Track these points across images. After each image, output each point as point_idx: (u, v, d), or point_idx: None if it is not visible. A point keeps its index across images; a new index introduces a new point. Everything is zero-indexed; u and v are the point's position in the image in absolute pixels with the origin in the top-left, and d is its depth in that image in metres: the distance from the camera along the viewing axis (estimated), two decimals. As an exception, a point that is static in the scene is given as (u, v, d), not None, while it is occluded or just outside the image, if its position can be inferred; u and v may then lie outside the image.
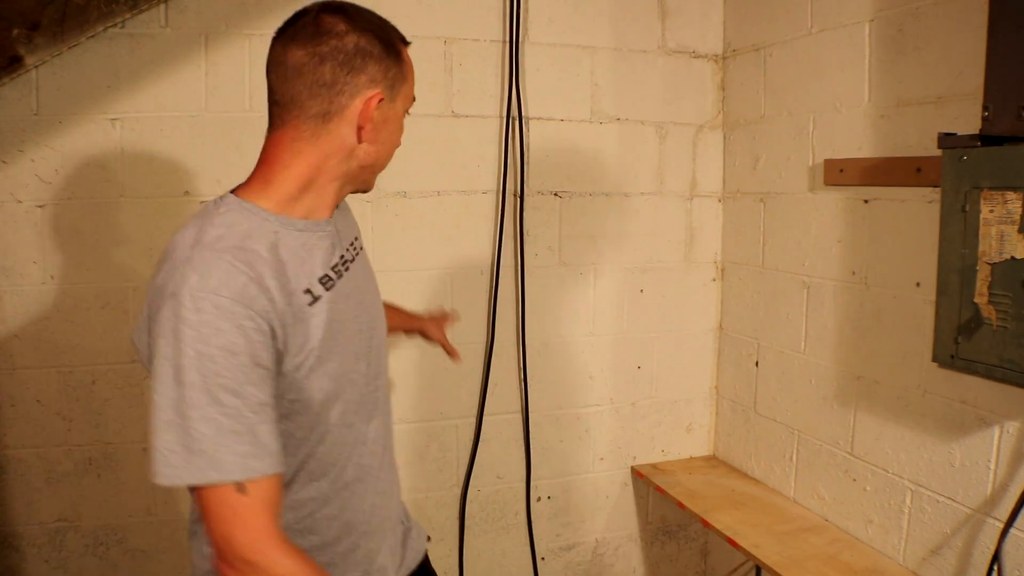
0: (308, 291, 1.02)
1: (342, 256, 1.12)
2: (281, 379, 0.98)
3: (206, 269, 0.91)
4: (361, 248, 1.22)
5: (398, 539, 1.27)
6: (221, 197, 1.05)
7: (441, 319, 1.70)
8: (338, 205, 1.13)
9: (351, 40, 1.00)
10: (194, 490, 0.90)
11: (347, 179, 1.09)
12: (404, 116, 1.12)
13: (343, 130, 1.03)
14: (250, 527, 0.89)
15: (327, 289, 1.05)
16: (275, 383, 0.97)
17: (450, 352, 1.64)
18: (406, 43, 1.10)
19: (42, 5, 1.59)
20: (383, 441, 1.21)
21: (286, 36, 1.03)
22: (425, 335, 1.67)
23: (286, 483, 1.03)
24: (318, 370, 1.01)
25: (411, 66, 1.10)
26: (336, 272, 1.09)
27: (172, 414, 0.88)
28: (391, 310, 1.58)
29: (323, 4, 1.04)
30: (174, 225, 1.82)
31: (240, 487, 0.89)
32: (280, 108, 1.03)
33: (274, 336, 0.95)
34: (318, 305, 1.03)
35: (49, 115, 1.75)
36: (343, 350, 1.07)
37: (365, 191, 1.15)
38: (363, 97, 1.02)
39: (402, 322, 1.66)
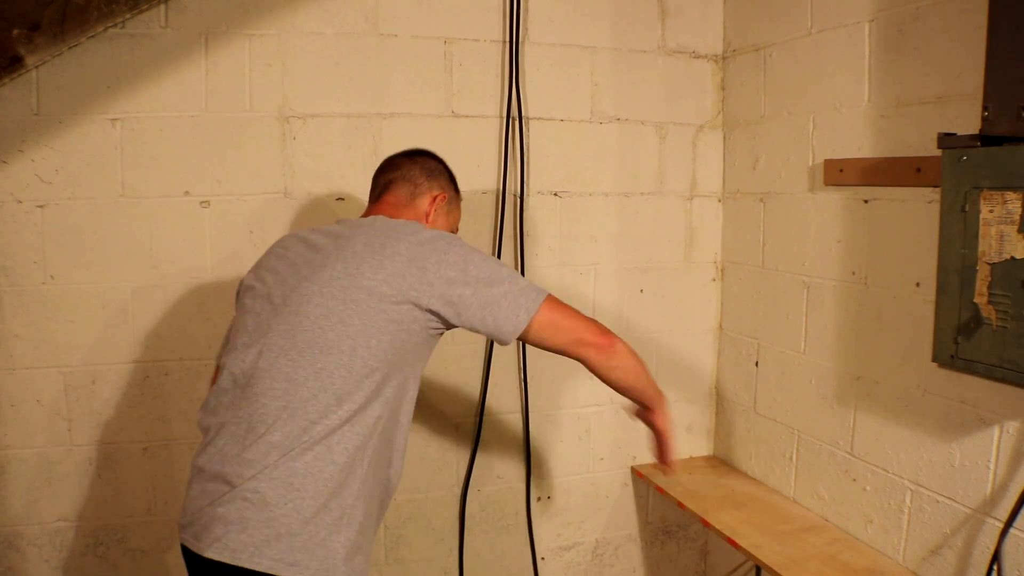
0: None
1: None
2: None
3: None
4: None
5: None
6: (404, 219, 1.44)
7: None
8: None
9: (434, 165, 1.56)
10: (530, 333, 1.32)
11: None
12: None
13: (421, 209, 1.52)
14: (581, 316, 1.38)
15: None
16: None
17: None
18: (460, 196, 1.63)
19: (42, 5, 1.59)
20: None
21: (397, 154, 1.58)
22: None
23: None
24: None
25: (460, 205, 1.62)
26: None
27: (509, 276, 1.32)
28: None
29: (429, 150, 1.60)
30: (174, 225, 1.84)
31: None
32: (384, 187, 1.53)
33: None
34: None
35: (49, 115, 1.75)
36: None
37: None
38: (432, 193, 1.53)
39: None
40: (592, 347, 1.35)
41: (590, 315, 2.19)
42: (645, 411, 1.52)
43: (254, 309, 1.35)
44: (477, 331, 1.31)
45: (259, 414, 1.22)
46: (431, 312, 1.29)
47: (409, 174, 1.52)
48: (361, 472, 1.25)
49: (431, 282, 1.27)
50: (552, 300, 1.34)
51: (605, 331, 1.37)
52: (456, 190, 1.60)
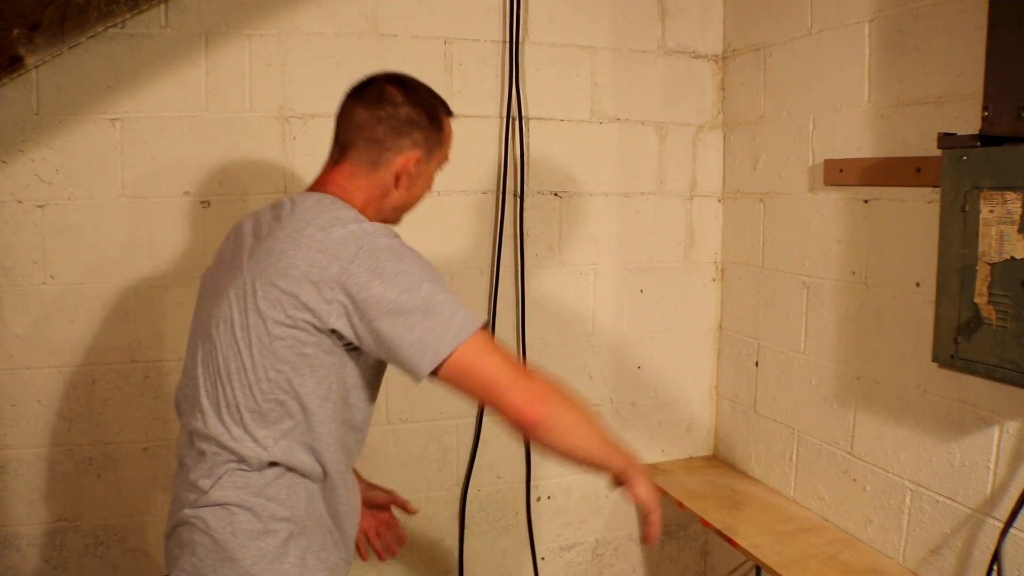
0: None
1: None
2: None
3: (383, 228, 1.16)
4: None
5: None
6: (327, 196, 1.22)
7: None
8: None
9: (404, 111, 1.25)
10: (447, 368, 1.09)
11: (382, 213, 1.30)
12: (436, 172, 1.36)
13: (386, 176, 1.26)
14: (516, 361, 1.15)
15: None
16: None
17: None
18: (450, 114, 1.34)
19: (42, 5, 1.59)
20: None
21: (356, 96, 1.28)
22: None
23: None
24: None
25: (450, 133, 1.35)
26: None
27: (436, 301, 1.08)
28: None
29: (390, 75, 1.30)
30: (174, 225, 1.84)
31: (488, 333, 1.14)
32: (342, 149, 1.27)
33: None
34: None
35: (49, 115, 1.75)
36: None
37: (394, 224, 1.33)
38: (405, 156, 1.26)
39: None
40: (517, 420, 1.10)
41: (590, 317, 2.24)
42: (618, 481, 1.25)
43: (193, 323, 1.29)
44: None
45: (192, 440, 1.19)
46: (336, 332, 1.11)
47: (372, 134, 1.24)
48: (311, 491, 1.19)
49: (328, 299, 1.08)
50: (476, 344, 1.09)
51: (538, 396, 1.10)
52: (439, 127, 1.30)
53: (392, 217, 1.34)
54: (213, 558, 1.14)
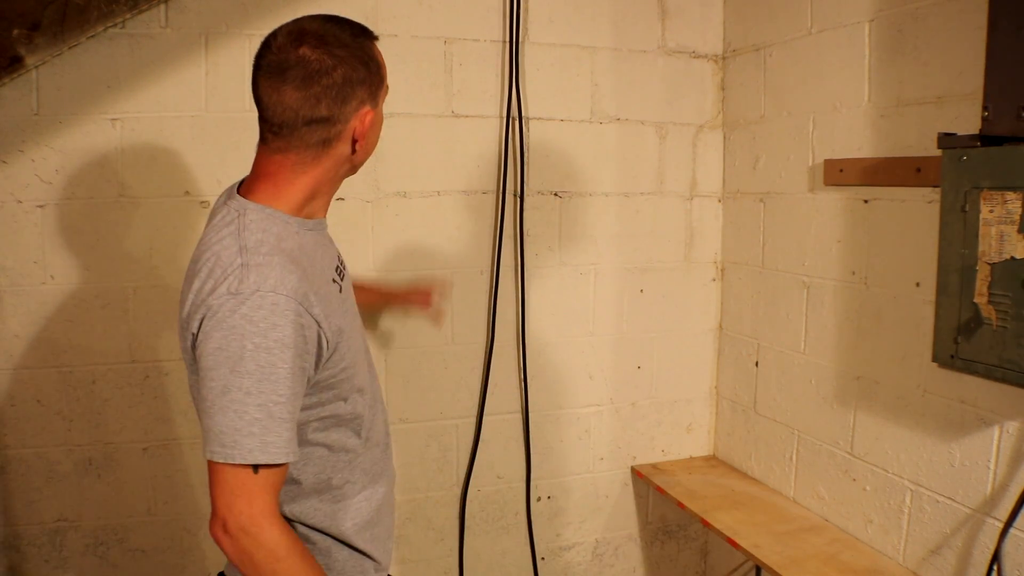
0: (333, 280, 1.16)
1: (338, 263, 1.24)
2: (335, 357, 1.10)
3: (262, 271, 1.00)
4: (346, 270, 1.28)
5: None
6: (236, 202, 1.11)
7: (425, 294, 1.81)
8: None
9: (339, 74, 1.07)
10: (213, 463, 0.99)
11: (343, 178, 1.21)
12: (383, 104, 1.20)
13: (342, 148, 1.12)
14: (256, 502, 0.99)
15: (341, 279, 1.20)
16: (323, 370, 1.09)
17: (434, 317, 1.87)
18: (375, 38, 1.15)
19: (42, 5, 1.59)
20: (387, 441, 1.33)
21: (273, 73, 1.07)
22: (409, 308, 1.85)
23: (357, 449, 1.21)
24: (342, 346, 1.12)
25: (382, 60, 1.16)
26: (339, 272, 1.21)
27: (227, 400, 0.97)
28: (362, 289, 1.62)
29: (298, 34, 1.07)
30: (174, 225, 1.84)
31: (257, 469, 0.98)
32: (277, 135, 1.09)
33: (319, 326, 1.05)
34: (343, 291, 1.18)
35: (49, 115, 1.75)
36: (353, 337, 1.18)
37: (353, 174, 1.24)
38: (356, 119, 1.11)
39: (379, 299, 1.81)
40: (220, 529, 0.98)
41: (590, 317, 2.24)
42: None
43: None
44: None
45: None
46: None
47: (315, 114, 1.07)
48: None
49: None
50: (240, 474, 0.98)
51: (261, 540, 0.98)
52: (376, 66, 1.13)
53: (351, 173, 1.22)
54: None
